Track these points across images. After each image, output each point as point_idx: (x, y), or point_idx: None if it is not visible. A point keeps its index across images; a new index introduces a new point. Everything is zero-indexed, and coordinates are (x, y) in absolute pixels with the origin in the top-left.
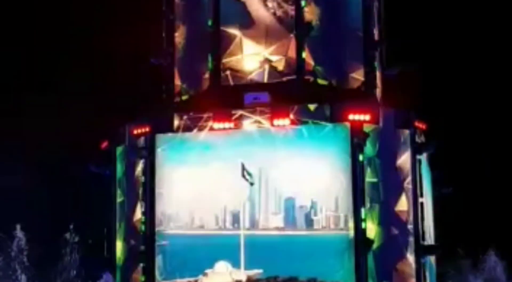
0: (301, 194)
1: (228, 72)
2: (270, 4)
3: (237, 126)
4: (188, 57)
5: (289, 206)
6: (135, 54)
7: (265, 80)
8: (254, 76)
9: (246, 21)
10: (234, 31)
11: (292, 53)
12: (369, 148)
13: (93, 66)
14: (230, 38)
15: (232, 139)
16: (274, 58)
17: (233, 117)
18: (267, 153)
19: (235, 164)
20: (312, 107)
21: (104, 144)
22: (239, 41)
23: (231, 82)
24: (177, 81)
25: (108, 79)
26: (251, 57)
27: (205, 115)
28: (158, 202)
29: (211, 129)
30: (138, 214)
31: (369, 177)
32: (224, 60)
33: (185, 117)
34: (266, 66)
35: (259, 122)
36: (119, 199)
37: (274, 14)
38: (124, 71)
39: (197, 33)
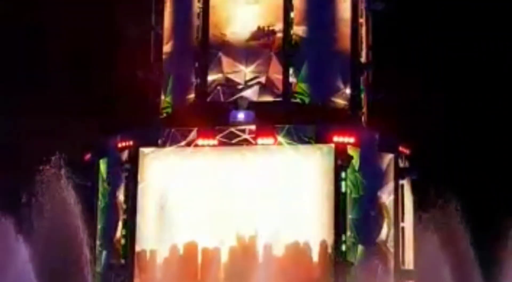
0: (283, 214)
1: (218, 88)
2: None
3: (221, 144)
4: (175, 71)
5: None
6: (121, 67)
7: (250, 98)
8: (243, 93)
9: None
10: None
11: (273, 72)
12: (352, 171)
13: (77, 78)
14: (212, 56)
15: (215, 156)
16: (260, 77)
17: (218, 134)
18: (250, 172)
19: (218, 180)
20: (296, 127)
21: (87, 156)
22: (219, 59)
23: (222, 98)
24: (163, 96)
25: (92, 92)
26: (239, 74)
27: (190, 131)
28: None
29: (195, 145)
30: (120, 228)
31: (351, 200)
32: (214, 77)
33: (169, 132)
34: (256, 86)
35: (245, 140)
36: (101, 212)
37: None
38: (109, 84)
39: (185, 48)
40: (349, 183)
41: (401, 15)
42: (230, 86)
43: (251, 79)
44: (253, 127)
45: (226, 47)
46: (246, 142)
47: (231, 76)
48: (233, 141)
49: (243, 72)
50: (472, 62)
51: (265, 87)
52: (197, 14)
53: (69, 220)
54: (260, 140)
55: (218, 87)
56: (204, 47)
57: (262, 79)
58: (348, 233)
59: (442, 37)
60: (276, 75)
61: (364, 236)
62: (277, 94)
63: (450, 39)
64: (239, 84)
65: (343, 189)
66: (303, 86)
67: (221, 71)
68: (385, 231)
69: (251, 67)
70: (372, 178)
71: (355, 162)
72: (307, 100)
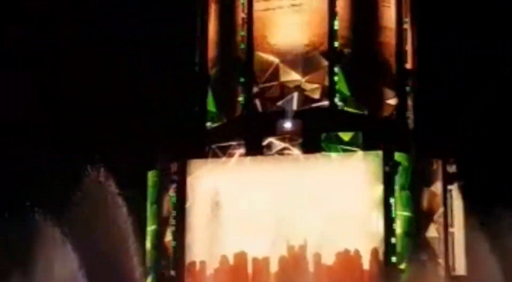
0: (332, 222)
1: (259, 99)
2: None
3: (268, 154)
4: (221, 82)
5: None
6: (167, 80)
7: (295, 107)
8: (283, 103)
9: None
10: (271, 57)
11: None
12: (400, 177)
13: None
14: (267, 64)
15: (262, 166)
16: (310, 86)
17: (264, 145)
18: (298, 181)
19: (265, 191)
20: (343, 135)
21: (137, 169)
22: (276, 68)
23: (261, 109)
24: (210, 107)
25: (142, 104)
26: (282, 84)
27: (236, 142)
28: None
29: (242, 156)
30: (169, 237)
31: (401, 206)
32: (257, 87)
33: (217, 143)
34: (295, 94)
35: (290, 149)
36: (150, 227)
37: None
38: (158, 97)
39: (230, 58)
40: (397, 189)
41: (448, 20)
42: (278, 95)
43: (297, 88)
44: (300, 136)
45: (275, 56)
46: (293, 151)
47: (279, 86)
48: (280, 151)
49: (292, 82)
50: None
51: (311, 96)
52: (241, 24)
53: (118, 231)
54: (307, 149)
55: (265, 97)
56: (249, 58)
57: (315, 88)
58: (398, 240)
59: (491, 41)
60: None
61: (414, 243)
62: (323, 102)
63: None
64: (287, 93)
65: (392, 196)
66: (348, 94)
67: (269, 81)
68: (434, 237)
69: (300, 76)
70: (420, 184)
71: (403, 168)
72: (353, 107)
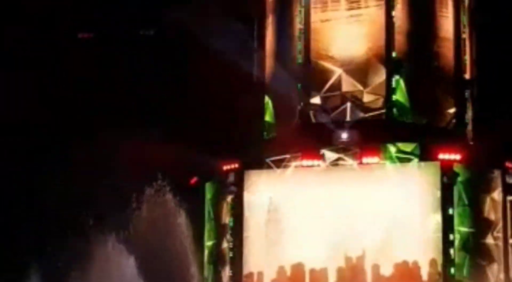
0: (389, 232)
1: (314, 109)
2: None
3: (326, 164)
4: (278, 93)
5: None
6: (224, 91)
7: (352, 117)
8: (337, 114)
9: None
10: (332, 67)
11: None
12: (458, 187)
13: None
14: (327, 74)
15: (319, 177)
16: (371, 97)
17: (323, 155)
18: (355, 192)
19: (323, 201)
20: (401, 145)
21: (194, 180)
22: (338, 78)
23: (314, 120)
24: (267, 118)
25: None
26: (342, 95)
27: (294, 153)
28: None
29: (299, 166)
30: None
31: (460, 217)
32: (316, 97)
33: (274, 153)
34: (349, 104)
35: (346, 160)
36: (208, 243)
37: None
38: (213, 108)
39: (287, 70)
40: (455, 200)
41: (508, 28)
42: (336, 106)
43: (357, 98)
44: (357, 146)
45: (337, 66)
46: (350, 162)
47: (340, 96)
48: (338, 162)
49: (353, 92)
50: None
51: (370, 106)
52: (299, 35)
53: (177, 243)
54: (364, 159)
55: (323, 107)
56: (306, 69)
57: (371, 99)
58: (457, 251)
59: None
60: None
61: (473, 254)
62: (381, 112)
63: None
64: (345, 103)
65: (450, 207)
66: (406, 104)
67: (330, 91)
68: (493, 244)
69: (361, 86)
70: (478, 194)
71: (461, 178)
72: (410, 118)
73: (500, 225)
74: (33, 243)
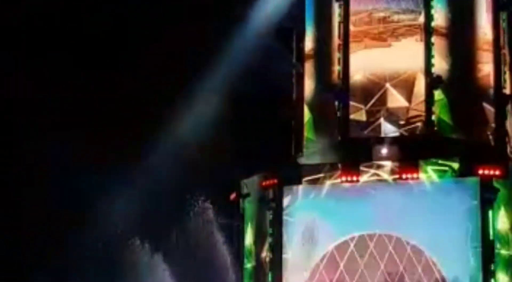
0: (427, 249)
1: (353, 124)
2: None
3: (364, 181)
4: (318, 109)
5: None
6: (264, 106)
7: (391, 133)
8: (372, 129)
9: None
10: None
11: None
12: (498, 203)
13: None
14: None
15: (360, 193)
16: (413, 113)
17: (363, 171)
18: (394, 209)
19: (363, 218)
20: (441, 161)
21: (233, 196)
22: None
23: (365, 135)
24: (306, 133)
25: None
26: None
27: (334, 168)
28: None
29: (338, 183)
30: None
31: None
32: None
33: (313, 169)
34: (382, 120)
35: (385, 176)
36: (248, 265)
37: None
38: (252, 123)
39: (327, 85)
40: (496, 216)
41: None
42: (376, 121)
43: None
44: (397, 162)
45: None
46: (390, 178)
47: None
48: (377, 178)
49: (397, 108)
50: None
51: (411, 122)
52: (337, 47)
53: (216, 260)
54: (404, 176)
55: (363, 123)
56: (345, 84)
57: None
58: (499, 274)
59: None
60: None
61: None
62: (421, 128)
63: None
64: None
65: (490, 224)
66: (446, 119)
67: (375, 105)
68: None
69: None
70: None
71: (502, 195)
72: (450, 133)
73: None
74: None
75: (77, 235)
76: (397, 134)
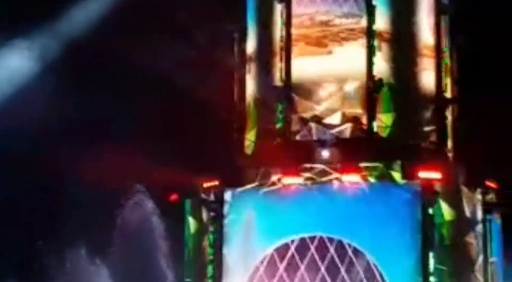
0: (368, 252)
1: (309, 126)
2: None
3: (307, 182)
4: (259, 111)
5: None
6: (205, 107)
7: (333, 135)
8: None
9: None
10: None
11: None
12: (439, 206)
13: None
14: (308, 92)
15: (301, 194)
16: (349, 114)
17: (304, 172)
18: (336, 210)
19: (304, 220)
20: (382, 164)
21: (173, 197)
22: (305, 97)
23: (307, 137)
24: (248, 135)
25: (176, 132)
26: (328, 112)
27: (275, 170)
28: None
29: (279, 185)
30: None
31: (440, 237)
32: (304, 114)
33: (255, 171)
34: (349, 124)
35: (330, 177)
36: (188, 253)
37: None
38: (193, 124)
39: (268, 88)
40: (435, 218)
41: (486, 47)
42: (315, 124)
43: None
44: (338, 164)
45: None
46: (331, 179)
47: (318, 114)
48: (318, 179)
49: (331, 110)
50: None
51: (352, 125)
52: (280, 55)
53: (156, 261)
54: (345, 177)
55: (304, 125)
56: (287, 87)
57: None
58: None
59: None
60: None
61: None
62: (362, 131)
63: None
64: (325, 122)
65: (430, 225)
66: (388, 123)
67: (306, 110)
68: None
69: (340, 105)
70: (459, 213)
71: (442, 197)
72: (392, 136)
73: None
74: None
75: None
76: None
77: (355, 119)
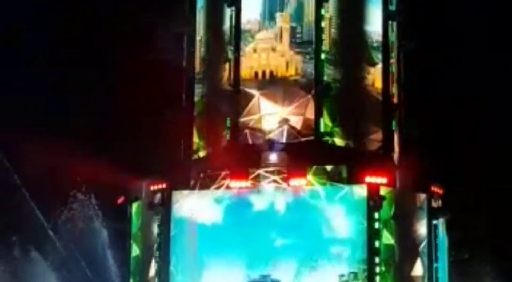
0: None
1: (247, 131)
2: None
3: (254, 185)
4: (207, 114)
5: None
6: (152, 110)
7: (284, 140)
8: (272, 135)
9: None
10: (252, 90)
11: (310, 114)
12: (385, 211)
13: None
14: (248, 98)
15: (248, 198)
16: (292, 118)
17: (250, 176)
18: (282, 213)
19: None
20: (329, 168)
21: (121, 200)
22: (257, 101)
23: (250, 141)
24: (195, 138)
25: (124, 135)
26: (270, 117)
27: (222, 173)
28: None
29: (228, 187)
30: (152, 271)
31: (385, 240)
32: (242, 119)
33: (202, 174)
34: (285, 127)
35: (276, 181)
36: (134, 254)
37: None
38: (141, 127)
39: (217, 91)
40: (381, 223)
41: (433, 53)
42: (263, 128)
43: (285, 121)
44: (285, 168)
45: (259, 89)
46: (278, 183)
47: (266, 118)
48: (266, 182)
49: (278, 114)
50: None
51: (299, 129)
52: (229, 58)
53: (101, 264)
54: (292, 181)
55: (250, 129)
56: (236, 90)
57: (297, 121)
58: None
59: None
60: (311, 117)
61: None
62: (310, 136)
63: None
64: (273, 125)
65: (376, 230)
66: (335, 127)
67: (254, 113)
68: (418, 276)
69: (287, 109)
70: (404, 218)
71: (388, 202)
72: (339, 141)
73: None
74: None
75: None
76: (285, 140)
77: (285, 121)
